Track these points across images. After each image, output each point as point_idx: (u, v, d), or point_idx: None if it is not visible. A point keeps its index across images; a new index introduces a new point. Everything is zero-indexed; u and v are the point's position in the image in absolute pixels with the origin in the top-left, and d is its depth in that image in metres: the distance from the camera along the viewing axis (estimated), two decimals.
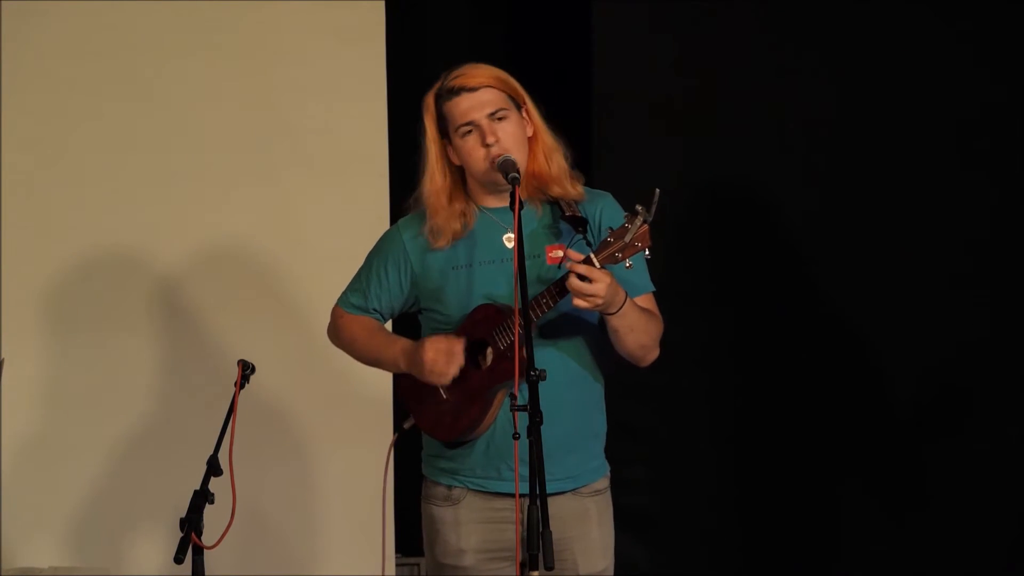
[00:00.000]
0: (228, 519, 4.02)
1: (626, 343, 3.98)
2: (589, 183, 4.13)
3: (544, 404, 3.62)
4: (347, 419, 5.81)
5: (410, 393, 4.10)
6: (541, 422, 3.61)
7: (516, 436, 3.66)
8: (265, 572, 5.72)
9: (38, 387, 5.72)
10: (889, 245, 5.86)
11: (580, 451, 4.05)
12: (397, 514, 5.55)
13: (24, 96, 5.72)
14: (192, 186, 5.80)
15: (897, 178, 5.86)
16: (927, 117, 5.84)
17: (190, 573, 4.04)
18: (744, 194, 5.96)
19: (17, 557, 5.67)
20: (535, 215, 4.06)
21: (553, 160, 4.05)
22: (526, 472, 3.60)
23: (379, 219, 5.59)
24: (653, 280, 4.08)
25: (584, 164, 4.16)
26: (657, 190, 3.76)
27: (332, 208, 5.85)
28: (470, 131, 3.99)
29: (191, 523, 3.99)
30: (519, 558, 3.75)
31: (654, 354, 4.05)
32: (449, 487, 4.08)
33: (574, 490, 4.05)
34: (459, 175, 4.08)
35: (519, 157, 3.98)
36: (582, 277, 3.80)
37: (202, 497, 4.02)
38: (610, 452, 4.15)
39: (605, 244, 3.81)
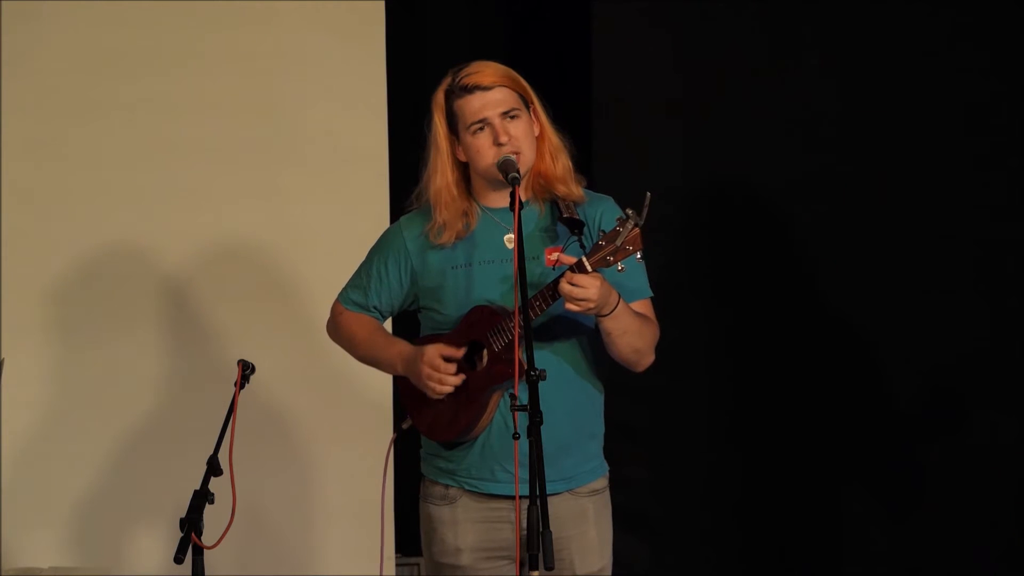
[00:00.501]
0: (228, 519, 4.02)
1: (619, 346, 3.97)
2: (589, 184, 4.14)
3: (541, 406, 3.62)
4: (347, 419, 5.81)
5: (408, 394, 4.10)
6: (541, 422, 3.61)
7: (516, 436, 3.66)
8: (265, 572, 5.72)
9: (38, 387, 5.72)
10: (889, 245, 5.86)
11: (576, 453, 4.05)
12: (397, 514, 5.55)
13: (24, 96, 5.72)
14: (192, 186, 5.80)
15: (897, 178, 5.86)
16: (928, 117, 5.83)
17: (190, 573, 4.04)
18: (744, 194, 5.96)
19: (17, 557, 5.67)
20: (536, 216, 4.06)
21: (559, 160, 4.06)
22: (524, 474, 3.61)
23: (379, 219, 5.59)
24: (652, 279, 4.08)
25: (584, 164, 4.17)
26: (648, 194, 3.76)
27: (332, 208, 5.85)
28: (481, 128, 4.00)
29: (191, 523, 3.99)
30: (519, 558, 3.75)
31: (648, 359, 4.04)
32: (446, 486, 4.08)
33: (571, 490, 4.05)
34: (464, 173, 4.09)
35: (529, 156, 4.00)
36: (572, 282, 3.81)
37: (202, 497, 4.01)
38: (609, 452, 4.15)
39: (597, 248, 3.82)
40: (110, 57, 5.77)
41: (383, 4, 5.88)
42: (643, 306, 4.05)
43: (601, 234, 3.84)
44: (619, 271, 3.83)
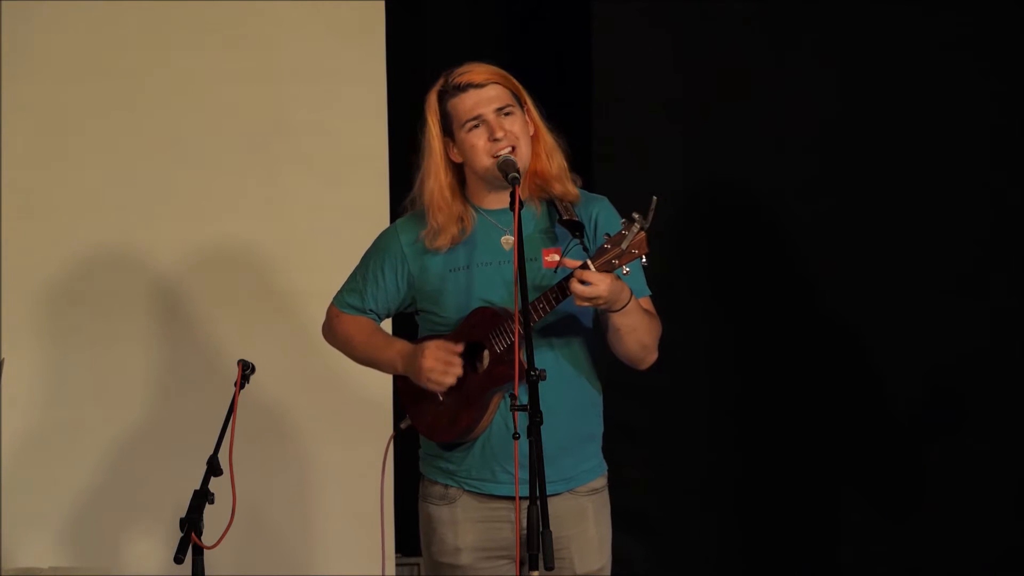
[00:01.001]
0: (228, 519, 4.02)
1: (628, 343, 3.98)
2: (589, 184, 4.14)
3: (540, 406, 3.63)
4: (347, 419, 5.81)
5: (407, 394, 4.10)
6: (541, 422, 3.62)
7: (516, 436, 3.66)
8: (265, 572, 5.72)
9: (38, 387, 5.72)
10: (889, 246, 5.86)
11: (575, 453, 4.05)
12: (397, 514, 5.55)
13: (24, 96, 5.72)
14: (192, 186, 5.80)
15: (897, 180, 5.86)
16: (927, 118, 5.84)
17: (190, 573, 4.04)
18: (744, 195, 5.96)
19: (17, 557, 5.67)
20: (533, 216, 4.05)
21: (554, 159, 4.06)
22: (524, 475, 3.61)
23: (379, 219, 5.58)
24: (653, 279, 4.08)
25: (584, 165, 4.17)
26: (655, 198, 3.76)
27: (332, 208, 5.85)
28: (476, 126, 3.99)
29: (191, 523, 3.99)
30: (519, 557, 3.75)
31: (653, 356, 4.05)
32: (446, 486, 4.08)
33: (571, 490, 4.05)
34: (458, 176, 4.08)
35: (526, 153, 3.99)
36: (582, 281, 3.81)
37: (202, 497, 4.01)
38: (609, 453, 4.15)
39: (602, 251, 3.82)
40: (109, 58, 5.77)
41: (383, 4, 5.88)
42: (645, 304, 4.05)
43: (606, 237, 3.84)
44: (624, 274, 3.83)
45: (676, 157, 5.93)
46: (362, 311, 4.17)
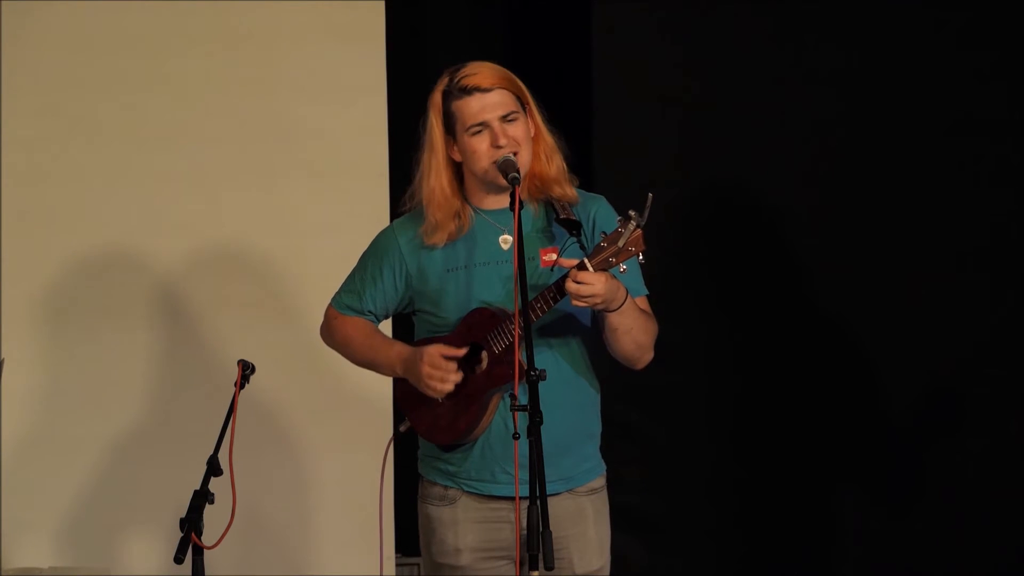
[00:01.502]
0: (228, 519, 4.02)
1: (623, 343, 3.98)
2: (589, 184, 4.13)
3: (540, 407, 3.63)
4: (346, 420, 5.81)
5: (406, 396, 4.09)
6: (541, 422, 3.62)
7: (516, 436, 3.66)
8: (265, 572, 5.72)
9: (38, 387, 5.72)
10: (888, 246, 5.86)
11: (574, 453, 4.05)
12: (397, 514, 5.55)
13: (24, 96, 5.72)
14: (192, 186, 5.80)
15: (897, 181, 5.86)
16: (928, 120, 5.84)
17: (190, 573, 4.04)
18: (744, 195, 5.96)
19: (17, 557, 5.67)
20: (531, 216, 4.05)
21: (553, 161, 4.05)
22: (524, 475, 3.61)
23: (379, 219, 5.58)
24: (652, 279, 4.08)
25: (584, 165, 4.17)
26: (650, 195, 3.76)
27: (332, 208, 5.85)
28: (480, 131, 3.98)
29: (191, 523, 3.98)
30: (519, 558, 3.75)
31: (649, 356, 4.05)
32: (445, 487, 4.08)
33: (570, 490, 4.05)
34: (457, 174, 4.08)
35: (527, 158, 3.98)
36: (578, 280, 3.81)
37: (202, 497, 4.01)
38: (608, 453, 4.15)
39: (599, 249, 3.82)
40: (109, 58, 5.77)
41: (383, 4, 5.87)
42: (642, 303, 4.05)
43: (603, 235, 3.83)
44: (620, 272, 3.83)
45: (676, 158, 5.93)
46: (360, 312, 4.16)
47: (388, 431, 5.57)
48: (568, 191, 4.03)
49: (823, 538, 5.92)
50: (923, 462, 5.85)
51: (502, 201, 3.94)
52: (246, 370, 4.12)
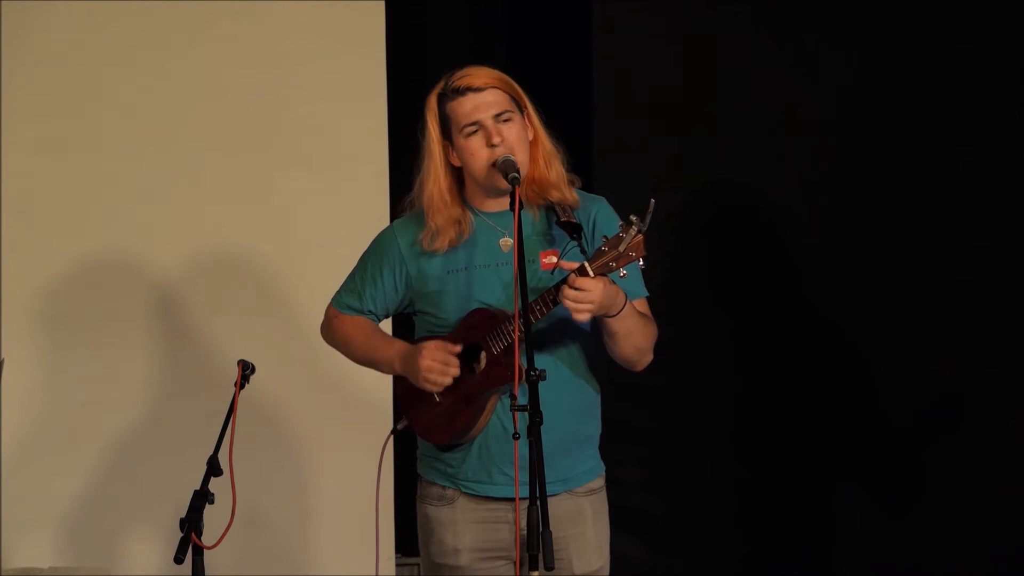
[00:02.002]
0: (228, 519, 4.02)
1: (623, 347, 3.98)
2: (588, 185, 4.13)
3: (539, 407, 3.63)
4: (346, 420, 5.81)
5: (405, 395, 4.10)
6: (541, 422, 3.62)
7: (516, 436, 3.67)
8: (265, 572, 5.72)
9: (38, 387, 5.72)
10: (888, 246, 5.86)
11: (573, 455, 4.05)
12: (397, 514, 5.55)
13: (24, 96, 5.72)
14: (192, 187, 5.80)
15: (897, 181, 5.86)
16: (927, 120, 5.84)
17: (190, 573, 4.04)
18: (744, 196, 5.96)
19: (17, 557, 5.67)
20: (531, 219, 4.05)
21: (552, 165, 4.04)
22: (523, 476, 3.61)
23: (379, 219, 5.58)
24: (652, 280, 4.08)
25: (584, 166, 4.16)
26: (652, 200, 3.76)
27: (332, 208, 5.85)
28: (475, 131, 3.98)
29: (191, 523, 3.99)
30: (519, 558, 3.75)
31: (648, 359, 4.05)
32: (444, 487, 4.08)
33: (569, 491, 4.05)
34: (457, 178, 4.08)
35: (522, 159, 3.98)
36: (576, 286, 3.80)
37: (202, 497, 4.01)
38: (608, 453, 4.15)
39: (600, 253, 3.81)
40: (109, 58, 5.77)
41: (383, 4, 5.88)
42: (640, 305, 4.05)
43: (604, 239, 3.83)
44: (621, 276, 3.82)
45: (676, 159, 5.93)
46: (360, 312, 4.17)
47: (387, 431, 5.57)
48: (568, 196, 4.03)
49: (823, 538, 5.92)
50: (923, 462, 5.85)
51: (502, 203, 3.94)
52: (246, 370, 4.12)
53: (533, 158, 4.03)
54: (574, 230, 3.92)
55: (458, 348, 3.96)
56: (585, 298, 3.81)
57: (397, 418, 4.18)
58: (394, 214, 4.29)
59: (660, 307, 4.11)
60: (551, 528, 3.59)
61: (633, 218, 3.78)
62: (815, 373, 5.89)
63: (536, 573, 3.57)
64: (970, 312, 5.83)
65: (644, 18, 5.94)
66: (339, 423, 5.83)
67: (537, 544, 3.56)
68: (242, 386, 4.12)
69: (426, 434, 4.08)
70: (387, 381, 5.12)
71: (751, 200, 5.95)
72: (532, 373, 3.66)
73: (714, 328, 5.95)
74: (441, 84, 4.03)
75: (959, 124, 5.83)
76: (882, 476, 5.89)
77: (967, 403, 5.84)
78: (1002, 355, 5.82)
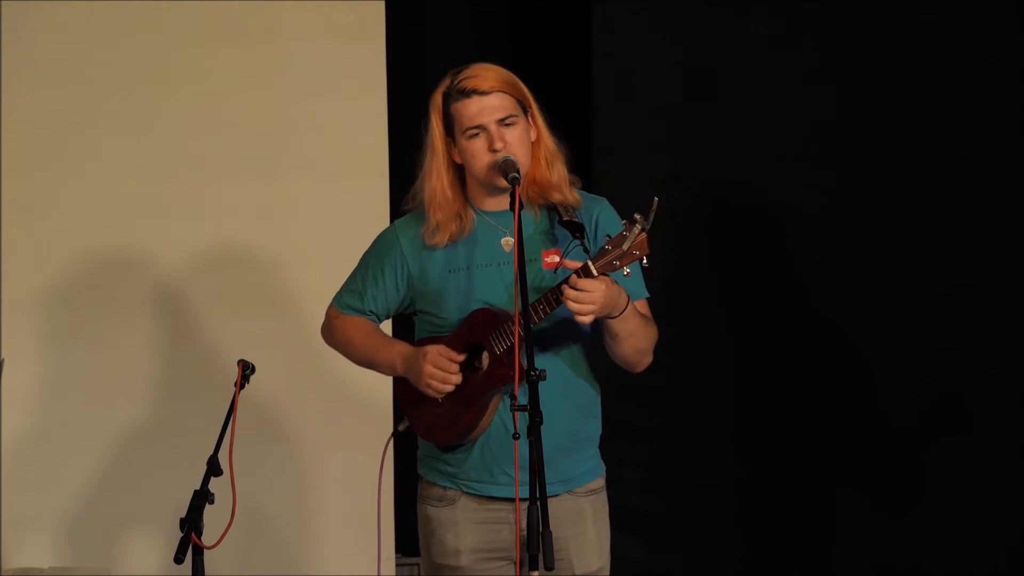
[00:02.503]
0: (228, 519, 4.02)
1: (624, 349, 3.97)
2: (589, 185, 4.13)
3: (540, 408, 3.63)
4: (346, 420, 5.81)
5: (406, 396, 4.09)
6: (541, 422, 3.62)
7: (516, 436, 3.66)
8: (265, 572, 5.72)
9: (38, 387, 5.72)
10: (889, 247, 5.86)
11: (575, 455, 4.05)
12: (397, 514, 5.55)
13: (24, 95, 5.72)
14: (192, 186, 5.80)
15: (897, 181, 5.87)
16: (927, 120, 5.84)
17: (190, 573, 4.04)
18: (744, 197, 5.96)
19: (17, 557, 5.67)
20: (533, 219, 4.05)
21: (554, 167, 4.04)
22: (523, 476, 3.61)
23: (379, 219, 5.58)
24: (652, 281, 4.07)
25: (584, 166, 4.16)
26: (656, 199, 3.76)
27: (332, 208, 5.85)
28: (477, 134, 3.98)
29: (191, 523, 3.98)
30: (519, 558, 3.75)
31: (648, 360, 4.05)
32: (445, 488, 4.08)
33: (569, 491, 4.05)
34: (459, 175, 4.08)
35: (524, 163, 3.97)
36: (579, 287, 3.80)
37: (202, 497, 4.01)
38: (608, 453, 4.15)
39: (603, 252, 3.81)
40: (109, 58, 5.77)
41: (383, 4, 5.88)
42: (641, 306, 4.05)
43: (607, 238, 3.82)
44: (624, 275, 3.82)
45: (676, 159, 5.93)
46: (361, 312, 4.16)
47: (388, 431, 5.54)
48: (569, 197, 4.02)
49: (823, 538, 5.92)
50: (923, 462, 5.85)
51: (504, 203, 3.94)
52: (246, 370, 4.12)
53: (535, 158, 4.02)
54: (576, 230, 3.92)
55: (461, 357, 3.96)
56: (587, 299, 3.80)
57: (398, 418, 4.18)
58: (394, 214, 4.29)
59: (660, 307, 4.11)
60: (551, 528, 3.59)
61: (637, 216, 3.78)
62: (815, 373, 5.89)
63: (536, 573, 3.57)
64: (970, 312, 5.83)
65: (644, 18, 5.94)
66: (339, 423, 5.83)
67: (537, 544, 3.56)
68: (242, 386, 4.11)
69: (428, 435, 4.08)
70: (387, 381, 5.11)
71: (751, 200, 5.95)
72: (532, 373, 3.66)
73: (714, 328, 5.95)
74: (447, 82, 4.02)
75: (959, 124, 5.83)
76: (882, 476, 5.89)
77: (967, 403, 5.84)
78: (1002, 355, 5.83)
